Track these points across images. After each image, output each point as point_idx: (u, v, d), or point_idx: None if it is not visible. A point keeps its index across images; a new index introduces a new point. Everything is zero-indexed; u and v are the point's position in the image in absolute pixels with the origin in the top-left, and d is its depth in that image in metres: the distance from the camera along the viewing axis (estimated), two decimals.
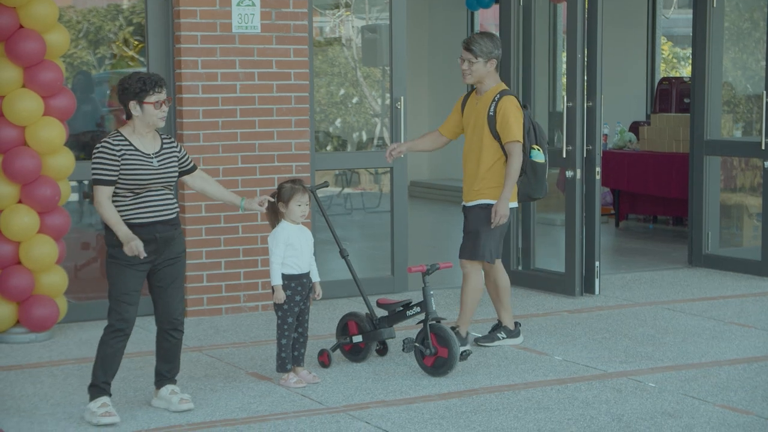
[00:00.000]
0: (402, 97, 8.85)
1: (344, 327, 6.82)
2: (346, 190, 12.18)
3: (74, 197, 9.69)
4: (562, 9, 10.05)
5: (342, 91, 12.66)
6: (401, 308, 6.68)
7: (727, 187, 10.57)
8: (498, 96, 6.90)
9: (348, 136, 12.50)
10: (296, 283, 6.27)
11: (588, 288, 8.87)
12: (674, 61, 17.14)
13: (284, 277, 6.24)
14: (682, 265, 10.18)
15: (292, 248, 6.24)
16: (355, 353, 6.78)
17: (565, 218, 8.88)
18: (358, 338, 6.72)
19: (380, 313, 6.83)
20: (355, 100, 13.82)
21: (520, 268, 9.34)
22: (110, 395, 5.73)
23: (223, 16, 8.05)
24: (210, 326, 7.83)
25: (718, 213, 10.13)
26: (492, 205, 6.89)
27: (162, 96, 5.67)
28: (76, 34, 10.20)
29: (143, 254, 5.56)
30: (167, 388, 5.91)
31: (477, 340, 7.20)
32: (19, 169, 7.19)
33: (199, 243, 8.05)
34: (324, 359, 6.68)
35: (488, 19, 16.73)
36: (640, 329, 7.70)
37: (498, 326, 7.27)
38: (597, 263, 8.85)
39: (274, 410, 5.89)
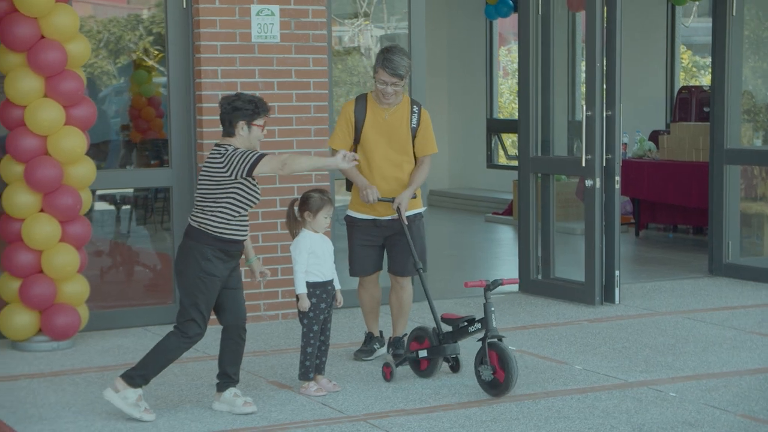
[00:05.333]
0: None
1: (416, 340, 6.70)
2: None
3: (102, 207, 9.75)
4: (581, 18, 10.05)
5: None
6: (465, 324, 6.48)
7: (747, 196, 10.53)
8: (417, 108, 6.87)
9: None
10: (321, 291, 6.29)
11: (608, 297, 8.85)
12: (694, 69, 17.09)
13: (308, 285, 6.26)
14: (702, 274, 10.15)
15: (315, 256, 6.26)
16: (418, 369, 6.67)
17: (584, 227, 8.87)
18: (423, 353, 6.60)
19: (446, 328, 6.66)
20: None
21: (539, 277, 9.33)
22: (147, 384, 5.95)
23: (243, 25, 8.08)
24: None
25: (739, 222, 10.09)
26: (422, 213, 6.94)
27: (265, 120, 5.92)
28: (96, 43, 10.25)
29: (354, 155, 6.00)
30: (230, 391, 6.01)
31: (356, 353, 7.12)
32: (41, 179, 7.23)
33: None
34: (386, 371, 6.62)
35: (507, 28, 16.75)
36: (660, 338, 7.68)
37: (375, 338, 7.18)
38: (617, 272, 8.83)
39: (295, 419, 5.90)
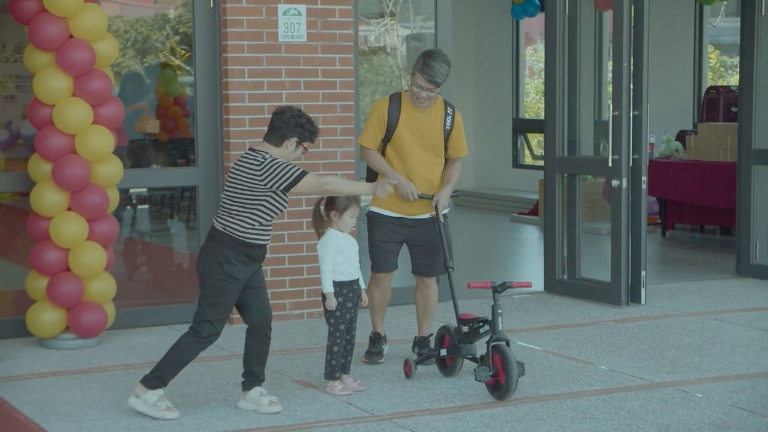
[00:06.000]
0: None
1: (441, 339, 6.74)
2: None
3: (129, 205, 9.80)
4: (607, 17, 10.02)
5: None
6: (477, 324, 6.47)
7: None
8: (450, 110, 6.86)
9: None
10: (347, 290, 6.30)
11: (634, 297, 8.81)
12: (722, 69, 17.00)
13: (335, 284, 6.27)
14: (729, 275, 10.09)
15: (341, 255, 6.27)
16: (444, 367, 6.69)
17: (611, 227, 8.84)
18: (444, 352, 6.62)
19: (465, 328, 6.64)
20: None
21: (565, 277, 9.30)
22: (165, 387, 5.95)
23: (270, 25, 8.10)
24: None
25: (767, 223, 10.04)
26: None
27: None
28: (124, 43, 10.31)
29: (392, 182, 6.20)
30: (256, 390, 6.02)
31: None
32: (69, 177, 7.27)
33: None
34: (407, 370, 6.64)
35: (533, 27, 16.71)
36: (686, 339, 7.65)
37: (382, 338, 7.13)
38: (643, 272, 8.80)
39: (320, 418, 5.91)
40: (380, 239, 6.87)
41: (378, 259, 6.91)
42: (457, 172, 6.95)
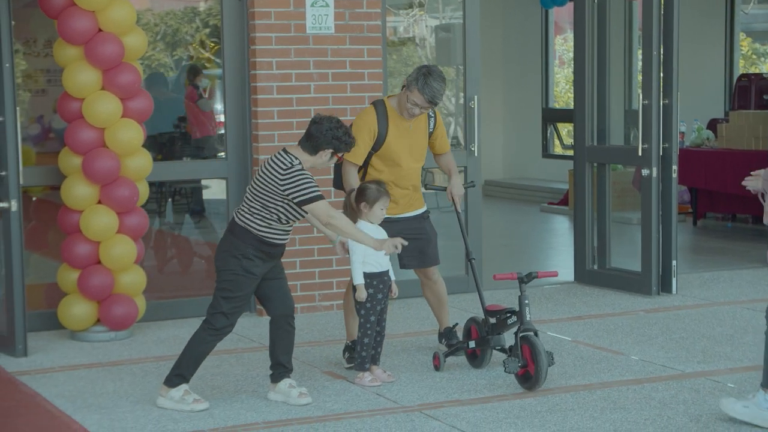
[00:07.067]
0: (476, 97, 8.83)
1: (468, 331, 6.74)
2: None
3: (159, 198, 9.84)
4: (637, 5, 9.95)
5: None
6: (505, 316, 6.46)
7: None
8: (432, 112, 6.75)
9: None
10: (377, 281, 6.30)
11: (665, 287, 8.77)
12: (753, 57, 16.87)
13: (366, 275, 6.26)
14: (761, 264, 10.01)
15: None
16: (473, 359, 6.68)
17: (641, 217, 8.79)
18: (472, 344, 6.61)
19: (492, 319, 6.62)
20: None
21: (595, 267, 9.27)
22: (188, 382, 5.96)
23: (297, 17, 8.11)
24: None
25: None
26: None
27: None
28: (153, 36, 10.34)
29: (403, 242, 6.00)
30: (285, 382, 6.03)
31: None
32: (99, 170, 7.31)
33: None
34: (436, 362, 6.64)
35: (563, 16, 16.63)
36: (718, 329, 7.60)
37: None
38: (674, 262, 8.75)
39: (349, 409, 5.92)
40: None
41: None
42: (454, 162, 6.97)
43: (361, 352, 6.33)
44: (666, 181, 8.70)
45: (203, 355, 5.94)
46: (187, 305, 8.21)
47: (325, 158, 5.87)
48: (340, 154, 5.93)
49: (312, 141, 5.83)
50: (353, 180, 6.54)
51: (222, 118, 8.68)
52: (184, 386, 5.91)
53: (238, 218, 5.89)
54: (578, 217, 9.36)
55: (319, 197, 5.73)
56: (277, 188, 5.75)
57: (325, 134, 5.81)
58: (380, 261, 6.32)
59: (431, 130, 6.79)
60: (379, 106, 6.65)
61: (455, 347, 6.68)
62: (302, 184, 5.71)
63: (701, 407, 5.83)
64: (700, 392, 6.11)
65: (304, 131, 5.92)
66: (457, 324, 6.99)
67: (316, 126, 5.85)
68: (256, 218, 5.83)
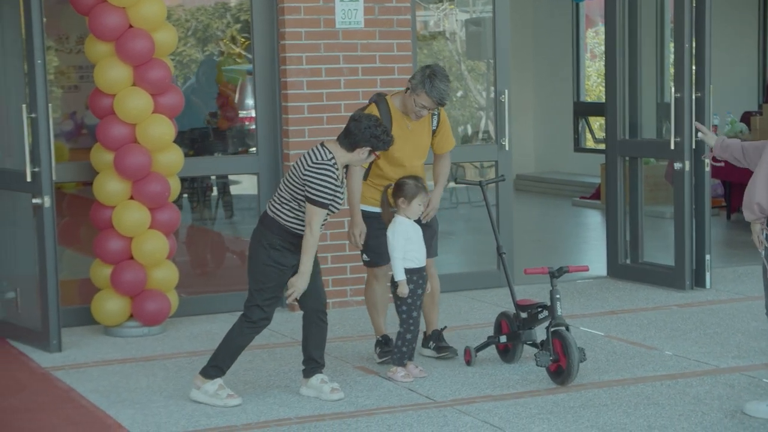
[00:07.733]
0: (506, 90, 8.79)
1: (499, 326, 6.71)
2: (451, 184, 12.16)
3: (190, 193, 9.87)
4: None
5: None
6: (536, 311, 6.44)
7: None
8: (435, 110, 6.65)
9: (453, 129, 12.46)
10: (417, 277, 6.28)
11: (698, 282, 8.71)
12: None
13: (406, 271, 6.24)
14: None
15: (411, 242, 6.25)
16: (504, 353, 6.66)
17: (674, 211, 8.73)
18: (503, 339, 6.60)
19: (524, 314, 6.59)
20: (459, 93, 13.79)
21: (628, 261, 9.21)
22: (224, 375, 5.99)
23: (327, 12, 8.10)
24: None
25: None
26: None
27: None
28: (184, 32, 10.37)
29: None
30: (317, 378, 6.04)
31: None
32: (130, 166, 7.33)
33: None
34: (467, 358, 6.62)
35: (593, 9, 16.54)
36: (753, 323, 7.53)
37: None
38: (708, 256, 8.68)
39: (381, 404, 5.91)
40: (374, 234, 6.59)
41: (373, 253, 6.67)
42: (447, 171, 6.81)
43: (402, 348, 6.31)
44: (699, 174, 8.64)
45: (240, 348, 5.97)
46: (220, 300, 8.24)
47: (362, 155, 5.90)
48: (378, 154, 5.95)
49: (350, 138, 5.86)
50: (358, 181, 6.52)
51: (252, 113, 8.69)
52: (219, 380, 5.94)
53: (270, 209, 5.94)
54: (610, 211, 9.31)
55: (322, 204, 5.75)
56: (300, 177, 5.78)
57: (364, 132, 5.84)
58: (419, 256, 6.30)
59: (434, 127, 6.71)
60: (380, 103, 6.56)
61: (486, 342, 6.64)
62: (319, 183, 5.74)
63: (736, 403, 5.78)
64: (734, 387, 6.06)
65: (337, 127, 5.94)
66: (445, 327, 6.93)
67: (355, 123, 5.88)
68: (285, 208, 5.86)
